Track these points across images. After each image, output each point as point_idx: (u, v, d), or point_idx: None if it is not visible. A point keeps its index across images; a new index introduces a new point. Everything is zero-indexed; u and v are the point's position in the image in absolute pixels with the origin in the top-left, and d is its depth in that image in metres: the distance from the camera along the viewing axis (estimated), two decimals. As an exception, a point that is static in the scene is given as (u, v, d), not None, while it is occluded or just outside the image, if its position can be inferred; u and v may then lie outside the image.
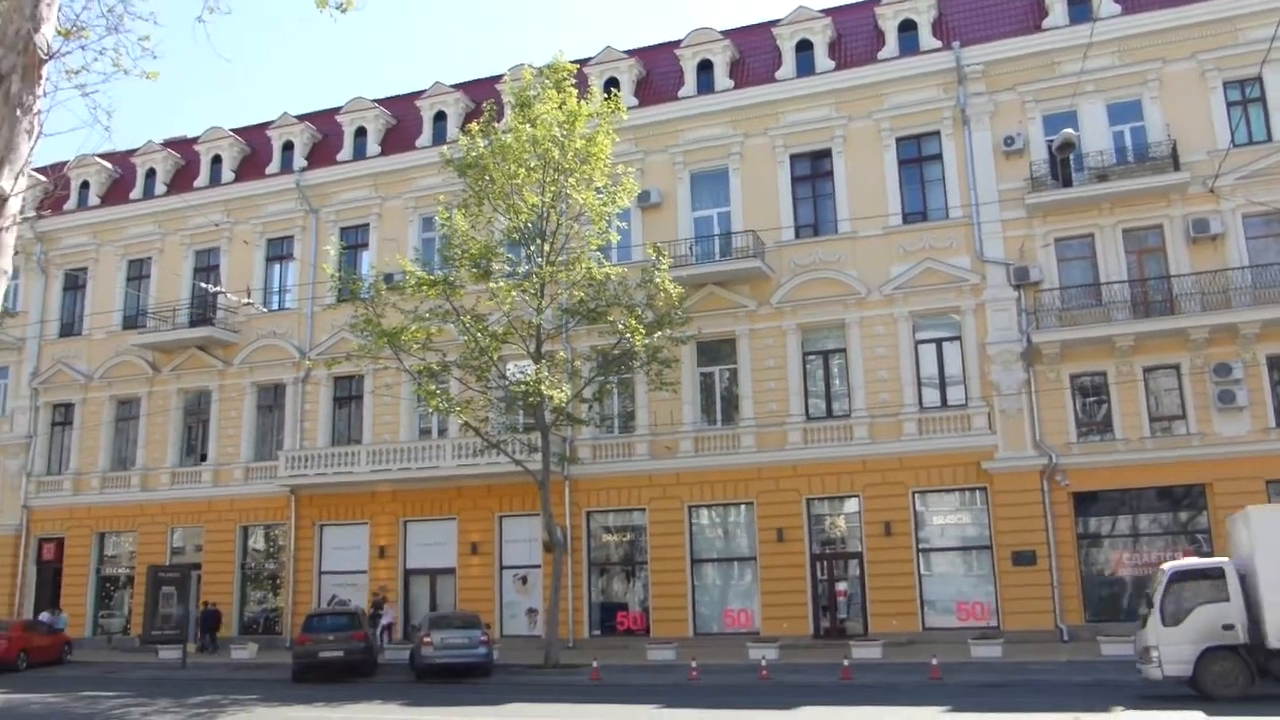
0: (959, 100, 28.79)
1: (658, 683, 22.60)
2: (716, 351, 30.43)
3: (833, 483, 28.39)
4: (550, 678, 24.36)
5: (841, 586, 28.43)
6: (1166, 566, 18.53)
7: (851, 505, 28.44)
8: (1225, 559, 18.35)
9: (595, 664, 23.86)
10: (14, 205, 7.11)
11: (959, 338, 28.24)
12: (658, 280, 26.75)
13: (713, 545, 29.93)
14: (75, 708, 21.01)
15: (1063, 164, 27.53)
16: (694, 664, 23.20)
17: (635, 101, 31.84)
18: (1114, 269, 27.06)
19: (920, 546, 27.65)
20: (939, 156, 29.30)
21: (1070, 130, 27.04)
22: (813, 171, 30.61)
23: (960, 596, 27.32)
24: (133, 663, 30.99)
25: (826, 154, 30.29)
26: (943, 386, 28.37)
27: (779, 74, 30.95)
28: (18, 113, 7.09)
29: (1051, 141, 27.63)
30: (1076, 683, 19.85)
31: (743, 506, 29.38)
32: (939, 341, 28.55)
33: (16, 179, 7.03)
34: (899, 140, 29.68)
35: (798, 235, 30.09)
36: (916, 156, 29.72)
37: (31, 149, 7.22)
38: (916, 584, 27.24)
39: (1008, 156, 28.27)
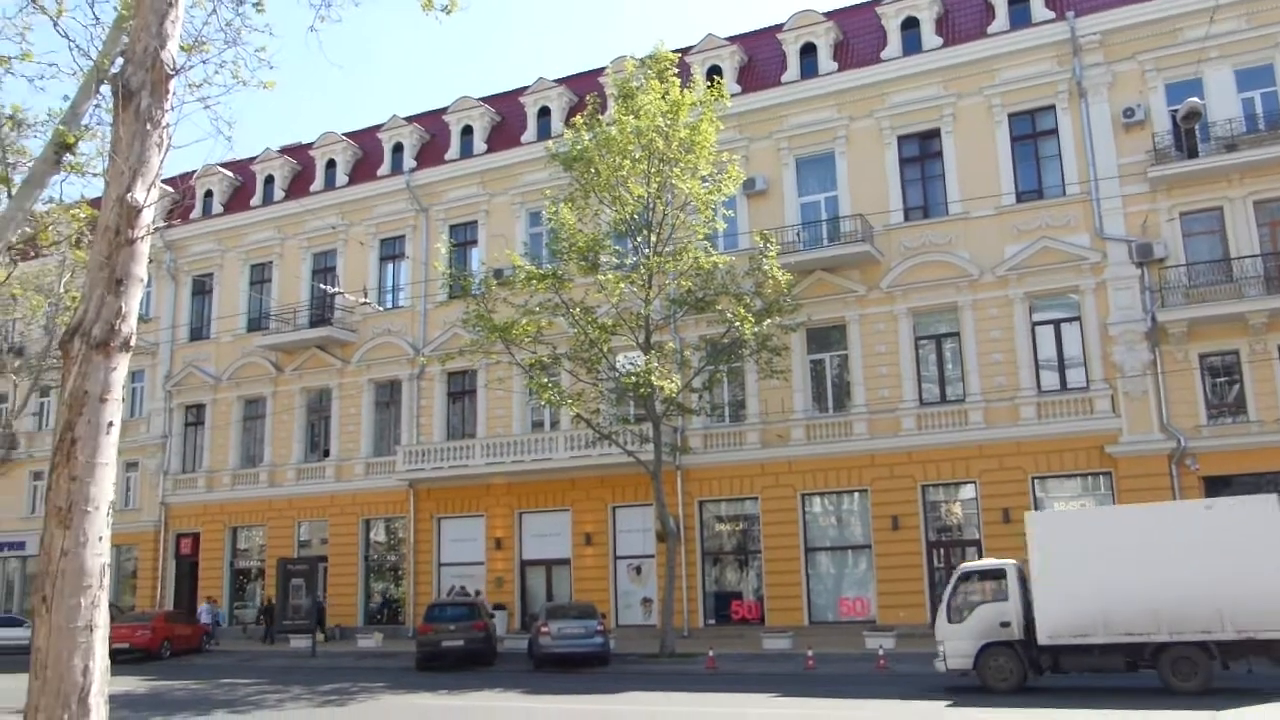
0: (1074, 72, 27.82)
1: (774, 671, 22.53)
2: (826, 338, 30.11)
3: (948, 469, 27.83)
4: (666, 666, 24.47)
5: (960, 575, 27.82)
6: (959, 567, 20.70)
7: (968, 491, 27.84)
8: (1010, 561, 19.66)
9: (711, 653, 23.89)
10: (147, 216, 7.41)
11: (1078, 318, 27.36)
12: (765, 267, 26.59)
13: (826, 533, 29.65)
14: (215, 694, 21.94)
15: (1188, 134, 26.32)
16: (810, 653, 23.06)
17: (738, 88, 31.64)
18: (1245, 243, 25.84)
19: (1042, 533, 26.87)
20: (1054, 132, 28.39)
21: (1195, 99, 25.85)
22: (921, 152, 30.00)
23: (1086, 584, 26.46)
24: (266, 651, 32.23)
25: (935, 134, 29.64)
26: (1062, 369, 27.54)
27: (884, 54, 30.38)
28: (148, 127, 7.39)
29: (1175, 111, 26.46)
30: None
31: (856, 494, 29.03)
32: (1057, 323, 27.71)
33: (149, 191, 7.34)
34: (1011, 116, 28.85)
35: (907, 218, 29.54)
36: (1030, 132, 28.85)
37: (161, 161, 7.52)
38: (1039, 572, 26.46)
39: (1128, 129, 27.24)
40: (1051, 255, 27.52)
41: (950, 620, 19.00)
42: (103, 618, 7.02)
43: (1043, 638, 18.01)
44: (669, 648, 25.87)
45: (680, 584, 28.84)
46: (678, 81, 26.91)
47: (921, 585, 27.54)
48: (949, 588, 19.75)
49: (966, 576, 19.60)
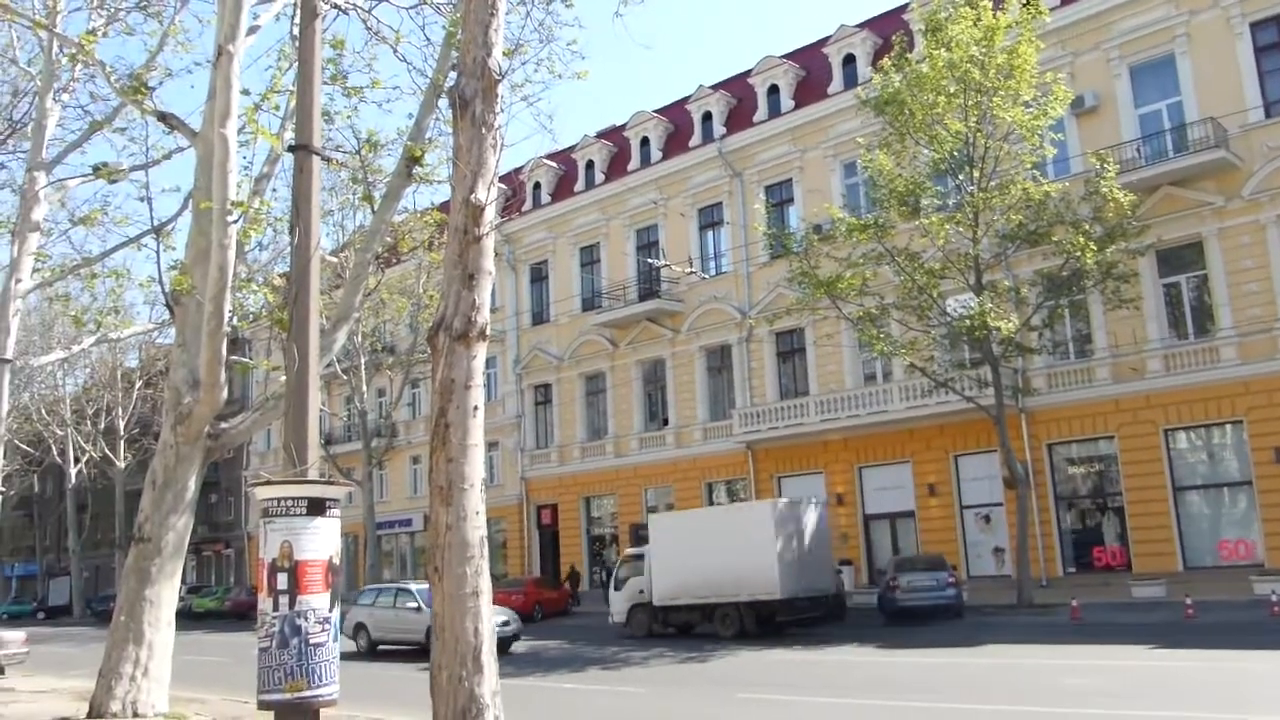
0: None
1: (1147, 621, 21.03)
2: (1180, 258, 27.52)
3: (1343, 391, 24.69)
4: (1025, 618, 23.52)
5: (1367, 509, 24.71)
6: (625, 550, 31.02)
7: (1371, 415, 24.58)
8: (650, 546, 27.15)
9: (1074, 602, 22.70)
10: (489, 213, 8.03)
11: None
12: (1104, 190, 24.67)
13: (1196, 471, 27.21)
14: (585, 652, 23.52)
15: None
16: (1188, 601, 21.33)
17: (1056, 1, 29.44)
18: None
19: None
20: None
21: None
22: (1280, 37, 26.64)
23: None
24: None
25: (1297, 13, 26.17)
26: None
27: (1226, -65, 27.14)
28: (483, 131, 7.99)
29: None
30: None
31: (1229, 426, 26.42)
32: None
33: (489, 190, 7.94)
34: (1394, -21, 24.93)
35: (1269, 114, 26.31)
36: None
37: (497, 161, 8.11)
38: None
39: None
40: None
41: (616, 589, 27.13)
42: (486, 584, 7.72)
43: (656, 601, 25.82)
44: (1027, 598, 24.88)
45: (1034, 531, 27.56)
46: (989, 4, 25.42)
47: (1319, 523, 24.68)
48: (617, 563, 28.56)
49: (627, 558, 28.08)
